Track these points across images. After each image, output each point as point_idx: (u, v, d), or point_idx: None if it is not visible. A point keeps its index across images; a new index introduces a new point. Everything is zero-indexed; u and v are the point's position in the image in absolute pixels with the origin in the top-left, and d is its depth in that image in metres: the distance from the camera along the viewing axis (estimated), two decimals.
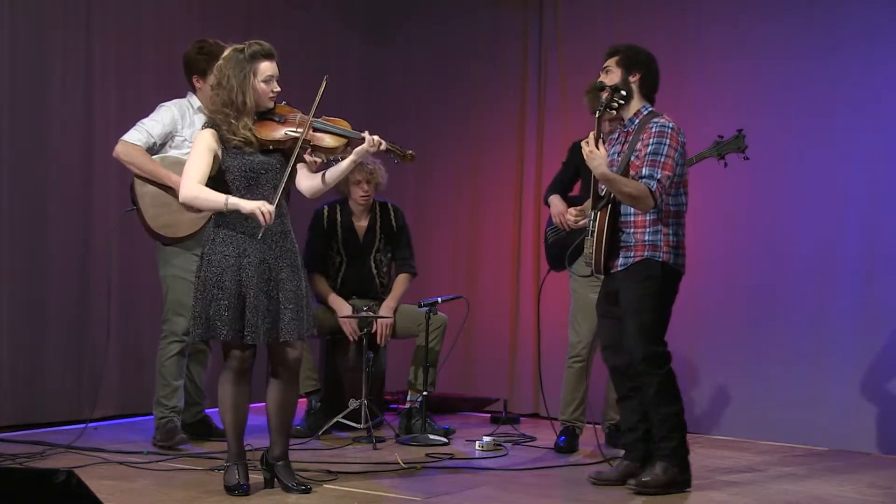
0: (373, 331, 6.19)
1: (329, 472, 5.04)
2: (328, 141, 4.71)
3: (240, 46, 4.63)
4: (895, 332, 6.16)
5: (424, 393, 6.11)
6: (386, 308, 6.28)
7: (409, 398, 6.28)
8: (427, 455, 5.60)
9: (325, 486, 4.81)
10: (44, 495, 3.33)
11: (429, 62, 7.91)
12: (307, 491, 4.65)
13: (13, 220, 6.10)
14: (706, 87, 6.68)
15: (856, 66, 6.29)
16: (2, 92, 6.05)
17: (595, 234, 4.95)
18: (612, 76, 5.03)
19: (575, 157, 6.15)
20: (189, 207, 4.82)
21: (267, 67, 4.61)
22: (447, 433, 6.16)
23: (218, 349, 4.82)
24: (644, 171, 4.87)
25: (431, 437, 6.02)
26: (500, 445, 5.91)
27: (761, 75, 6.49)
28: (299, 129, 4.64)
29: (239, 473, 4.65)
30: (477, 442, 5.89)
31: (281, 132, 4.65)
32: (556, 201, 6.03)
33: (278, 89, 4.66)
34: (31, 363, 6.18)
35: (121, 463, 5.20)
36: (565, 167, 6.19)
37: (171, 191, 5.49)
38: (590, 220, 5.01)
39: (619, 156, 5.01)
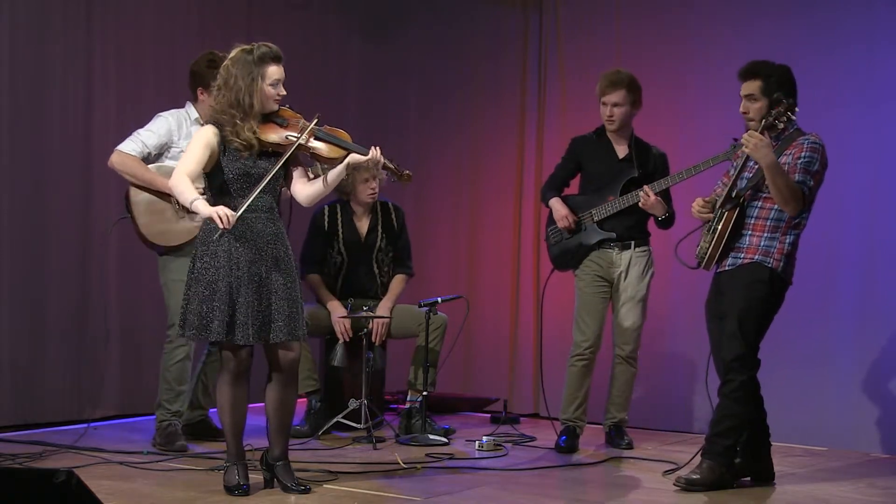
0: (370, 328, 6.19)
1: (329, 472, 5.04)
2: (328, 150, 4.70)
3: (248, 47, 4.61)
4: (895, 332, 6.16)
5: (424, 393, 6.11)
6: (383, 308, 6.28)
7: (409, 398, 6.28)
8: (427, 455, 5.60)
9: (325, 486, 4.81)
10: (44, 495, 3.34)
11: (428, 62, 7.90)
12: (306, 491, 4.65)
13: (13, 221, 6.10)
14: (707, 88, 6.67)
15: (856, 66, 6.28)
16: (1, 92, 6.05)
17: (717, 233, 4.97)
18: (759, 105, 4.98)
19: (577, 153, 6.14)
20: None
21: (275, 71, 4.60)
22: (447, 433, 6.16)
23: None
24: (798, 176, 4.89)
25: (431, 437, 6.02)
26: (500, 445, 5.91)
27: None
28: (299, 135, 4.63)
29: (239, 474, 4.65)
30: (477, 442, 5.89)
31: (282, 135, 4.64)
32: (557, 205, 6.02)
33: (284, 93, 4.65)
34: (31, 363, 6.17)
35: (121, 463, 5.20)
36: (565, 163, 6.17)
37: (168, 198, 5.48)
38: (714, 218, 5.01)
39: (755, 163, 4.96)
